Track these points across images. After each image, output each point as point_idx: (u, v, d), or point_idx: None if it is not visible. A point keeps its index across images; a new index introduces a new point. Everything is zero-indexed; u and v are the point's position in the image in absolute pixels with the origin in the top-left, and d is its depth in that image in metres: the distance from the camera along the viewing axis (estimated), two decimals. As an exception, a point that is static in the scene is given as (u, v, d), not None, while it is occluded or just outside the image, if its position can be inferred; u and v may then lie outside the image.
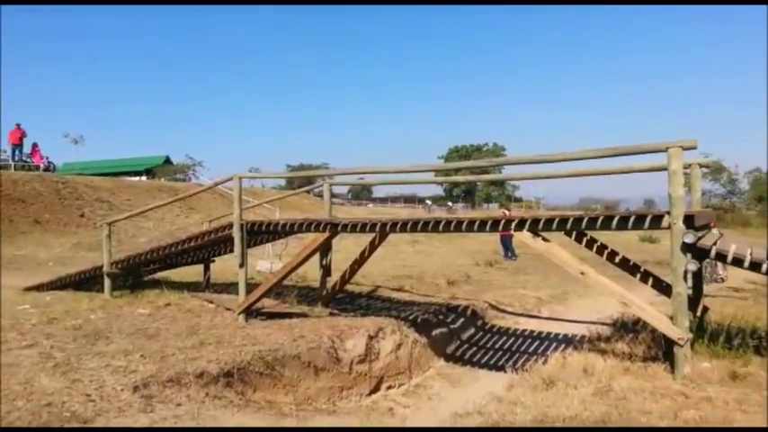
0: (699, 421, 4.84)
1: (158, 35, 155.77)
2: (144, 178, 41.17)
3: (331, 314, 9.78)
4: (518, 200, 78.73)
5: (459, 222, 7.85)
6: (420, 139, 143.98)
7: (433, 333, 9.96)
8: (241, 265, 9.43)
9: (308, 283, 12.77)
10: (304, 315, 9.53)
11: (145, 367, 6.36)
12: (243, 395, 6.53)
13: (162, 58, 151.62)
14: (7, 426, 4.75)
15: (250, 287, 9.62)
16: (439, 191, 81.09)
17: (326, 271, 10.57)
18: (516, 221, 7.46)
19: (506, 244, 18.85)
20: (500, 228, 7.71)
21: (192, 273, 12.81)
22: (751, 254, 6.14)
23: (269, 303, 10.29)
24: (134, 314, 9.25)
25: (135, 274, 11.63)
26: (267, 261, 15.11)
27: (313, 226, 9.10)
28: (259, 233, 10.26)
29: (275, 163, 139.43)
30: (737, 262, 6.14)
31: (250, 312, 9.36)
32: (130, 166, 48.93)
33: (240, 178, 9.47)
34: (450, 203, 66.18)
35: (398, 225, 8.33)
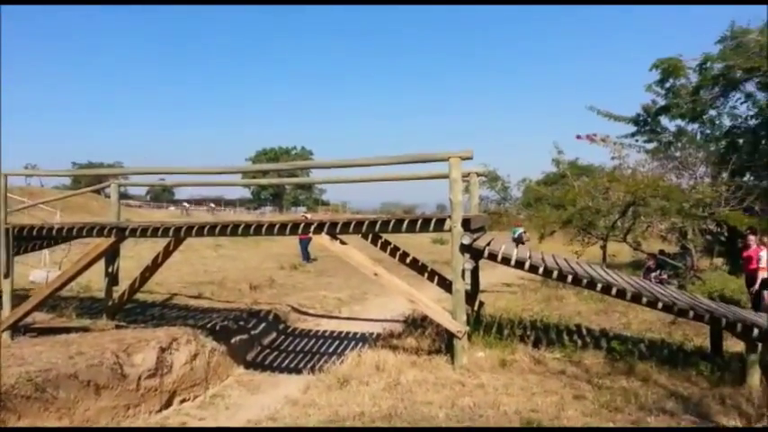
0: (473, 407, 5.34)
1: None
2: None
3: (117, 327, 8.98)
4: (325, 203, 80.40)
5: (259, 226, 7.74)
6: (228, 142, 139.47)
7: (233, 340, 9.67)
8: (6, 276, 8.25)
9: (92, 293, 11.59)
10: (85, 329, 8.62)
11: None
12: (3, 423, 5.70)
13: None
14: None
15: (19, 300, 8.46)
16: (246, 193, 79.45)
17: (113, 279, 9.70)
18: (315, 225, 7.58)
19: (304, 246, 18.98)
20: (299, 231, 7.76)
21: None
22: (516, 253, 6.95)
23: (42, 318, 9.14)
24: None
25: None
26: (43, 270, 13.38)
27: (95, 230, 8.28)
28: (30, 239, 9.07)
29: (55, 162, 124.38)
30: (505, 260, 6.91)
31: (18, 329, 8.23)
32: None
33: (5, 176, 8.29)
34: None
35: (194, 229, 7.95)
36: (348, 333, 10.89)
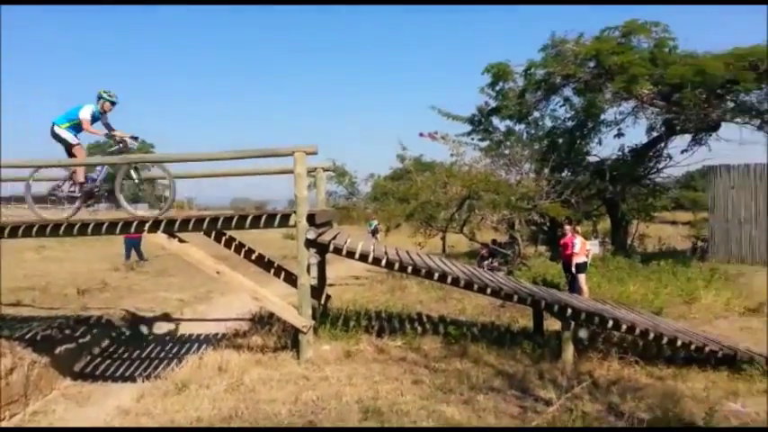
0: (316, 401, 5.37)
1: None
2: None
3: None
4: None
5: (84, 225, 7.11)
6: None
7: (58, 350, 8.77)
8: None
9: None
10: None
11: None
12: None
13: None
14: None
15: None
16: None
17: None
18: (150, 222, 7.12)
19: (134, 246, 17.47)
20: (132, 230, 7.26)
21: None
22: (361, 247, 7.11)
23: None
24: None
25: None
26: None
27: None
28: None
29: None
30: (350, 254, 7.04)
31: None
32: None
33: None
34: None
35: (6, 230, 7.10)
36: (191, 335, 10.40)
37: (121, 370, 9.03)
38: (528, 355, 6.97)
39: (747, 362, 6.34)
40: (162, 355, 9.50)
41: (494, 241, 16.20)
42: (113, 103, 8.11)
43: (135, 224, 7.15)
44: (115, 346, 9.99)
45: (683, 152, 17.55)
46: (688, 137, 17.13)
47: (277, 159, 7.71)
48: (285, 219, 6.94)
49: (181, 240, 7.27)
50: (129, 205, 7.95)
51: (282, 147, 6.95)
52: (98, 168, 8.25)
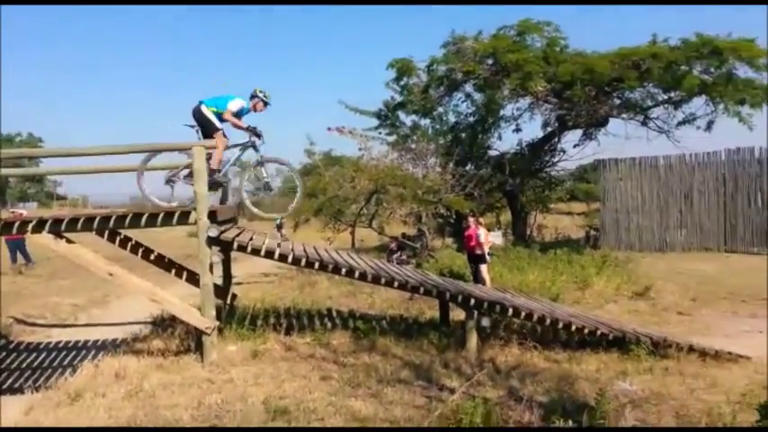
0: (220, 404, 5.21)
1: None
2: None
3: None
4: (62, 197, 70.97)
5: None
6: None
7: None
8: None
9: None
10: None
11: None
12: None
13: None
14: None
15: None
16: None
17: None
18: (35, 222, 6.61)
19: (18, 248, 16.01)
20: (14, 230, 6.70)
21: None
22: (266, 244, 6.96)
23: None
24: None
25: None
26: None
27: None
28: None
29: None
30: (255, 251, 6.87)
31: None
32: None
33: None
34: None
35: None
36: (86, 342, 9.75)
37: (9, 381, 8.33)
38: (434, 346, 7.13)
39: (635, 343, 6.80)
40: (54, 363, 8.85)
41: (403, 234, 16.44)
42: (266, 104, 7.81)
43: (17, 224, 6.61)
44: (3, 355, 9.22)
45: (575, 146, 18.68)
46: (579, 132, 18.20)
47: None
48: (185, 216, 6.66)
49: (69, 241, 6.80)
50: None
51: (181, 142, 6.68)
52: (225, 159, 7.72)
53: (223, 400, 5.27)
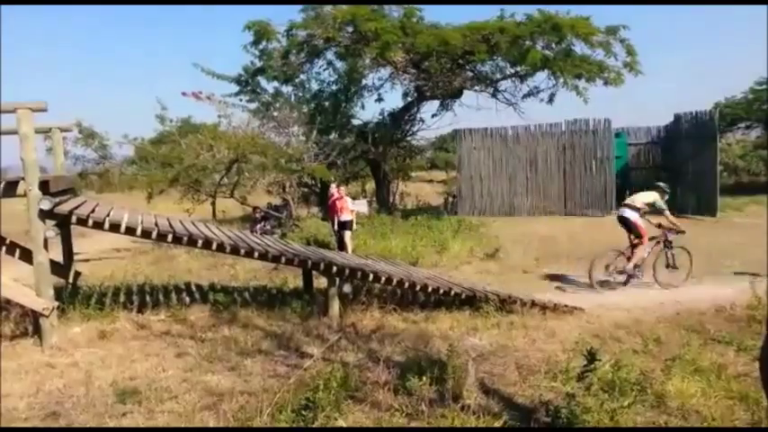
0: (62, 389, 4.81)
1: None
2: None
3: None
4: None
5: None
6: None
7: None
8: None
9: None
10: None
11: None
12: None
13: None
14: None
15: None
16: None
17: None
18: None
19: None
20: None
21: None
22: (107, 216, 6.43)
23: None
24: None
25: None
26: None
27: None
28: None
29: None
30: (97, 225, 6.35)
31: None
32: None
33: None
34: None
35: None
36: None
37: None
38: (297, 314, 7.12)
39: (485, 301, 7.28)
40: None
41: (269, 204, 16.11)
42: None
43: None
44: None
45: (433, 116, 19.34)
46: (437, 102, 18.85)
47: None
48: (11, 187, 5.97)
49: None
50: None
51: (3, 103, 5.93)
52: None
53: (65, 385, 4.89)
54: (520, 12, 15.99)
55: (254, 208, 15.63)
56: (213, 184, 15.69)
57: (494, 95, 17.91)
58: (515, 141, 17.66)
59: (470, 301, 7.51)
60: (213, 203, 16.54)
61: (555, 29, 14.96)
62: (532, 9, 15.61)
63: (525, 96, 17.66)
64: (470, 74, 17.54)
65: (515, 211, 17.45)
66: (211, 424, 4.04)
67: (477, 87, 17.85)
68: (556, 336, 6.38)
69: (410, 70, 17.08)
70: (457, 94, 18.13)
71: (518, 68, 16.61)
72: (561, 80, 15.53)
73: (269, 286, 9.31)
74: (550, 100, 17.19)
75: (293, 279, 9.51)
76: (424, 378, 4.45)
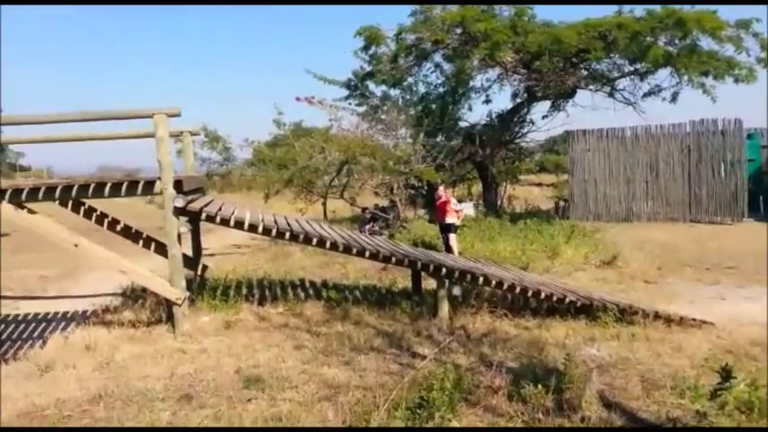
0: (193, 373, 5.19)
1: None
2: None
3: None
4: (25, 169, 68.73)
5: None
6: None
7: None
8: None
9: None
10: None
11: None
12: None
13: None
14: None
15: None
16: None
17: None
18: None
19: None
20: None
21: None
22: (235, 214, 6.87)
23: None
24: None
25: None
26: None
27: None
28: None
29: None
30: (224, 222, 6.79)
31: None
32: None
33: None
34: None
35: None
36: (56, 314, 9.57)
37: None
38: (407, 314, 7.19)
39: (602, 310, 6.95)
40: (24, 335, 8.70)
41: (375, 206, 16.44)
42: None
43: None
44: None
45: (543, 118, 18.80)
46: (548, 103, 18.30)
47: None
48: (149, 186, 6.53)
49: (30, 211, 6.62)
50: None
51: (142, 108, 6.49)
52: None
53: (196, 370, 5.27)
54: (639, 8, 15.20)
55: (364, 209, 15.99)
56: (324, 185, 16.25)
57: (611, 95, 17.11)
58: (634, 143, 16.77)
59: (586, 309, 7.20)
60: (324, 204, 17.13)
61: (678, 23, 14.07)
62: (653, 7, 14.77)
63: (646, 95, 16.75)
64: (585, 72, 16.88)
65: (633, 216, 16.56)
66: (330, 415, 4.19)
67: (592, 86, 17.13)
68: (682, 350, 5.96)
69: (520, 70, 16.72)
70: (570, 93, 17.51)
71: (638, 66, 15.79)
72: (686, 78, 14.60)
73: (378, 286, 9.47)
74: (674, 99, 16.18)
75: (402, 280, 9.60)
76: (540, 386, 4.33)
